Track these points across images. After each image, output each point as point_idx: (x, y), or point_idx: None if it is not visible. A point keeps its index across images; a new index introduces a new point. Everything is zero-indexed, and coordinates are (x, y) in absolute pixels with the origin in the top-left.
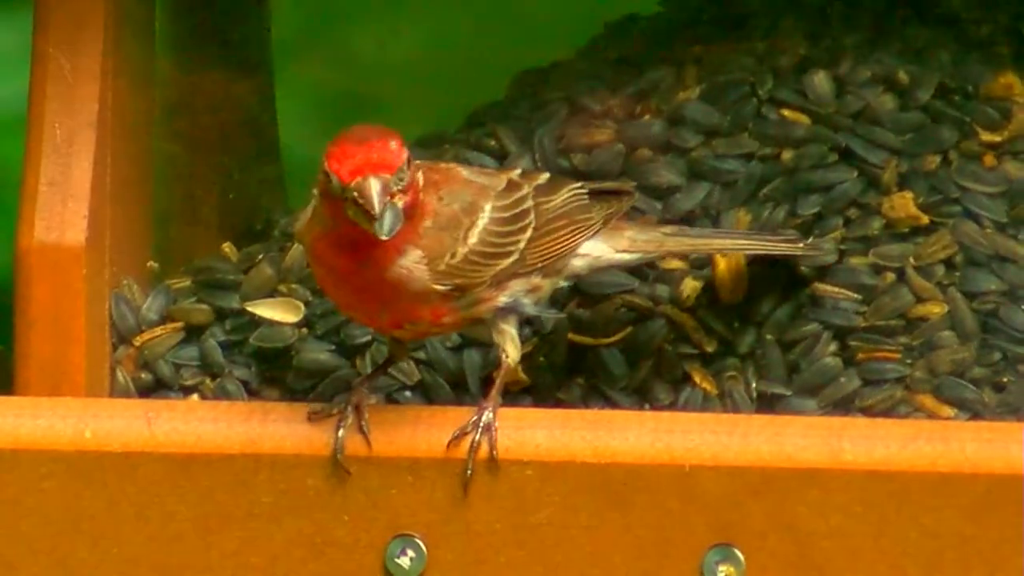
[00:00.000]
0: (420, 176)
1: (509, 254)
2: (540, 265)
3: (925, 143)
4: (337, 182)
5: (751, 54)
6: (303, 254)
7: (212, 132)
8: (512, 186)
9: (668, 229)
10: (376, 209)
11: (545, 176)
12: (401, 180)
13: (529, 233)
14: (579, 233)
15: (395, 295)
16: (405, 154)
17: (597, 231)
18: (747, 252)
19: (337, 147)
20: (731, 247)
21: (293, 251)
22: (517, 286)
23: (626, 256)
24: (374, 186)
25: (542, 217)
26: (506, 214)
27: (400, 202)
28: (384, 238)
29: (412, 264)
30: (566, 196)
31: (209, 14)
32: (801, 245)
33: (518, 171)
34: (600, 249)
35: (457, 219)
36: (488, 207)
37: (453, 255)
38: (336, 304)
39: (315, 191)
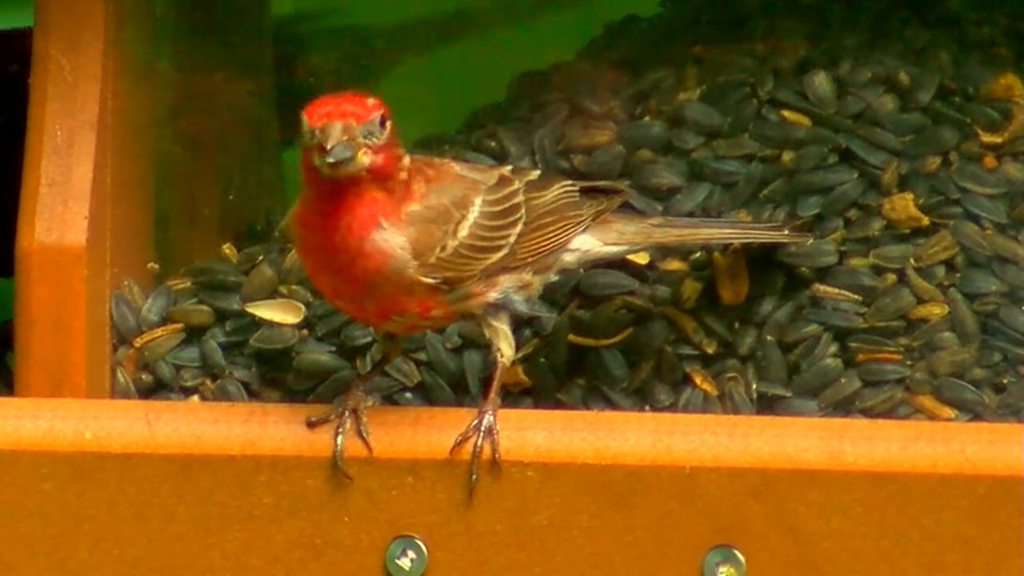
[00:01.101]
0: (407, 158)
1: (499, 248)
2: (530, 260)
3: (925, 144)
4: (307, 127)
5: (751, 55)
6: None
7: (212, 132)
8: (503, 181)
9: (655, 220)
10: (330, 144)
11: (536, 173)
12: (370, 134)
13: (519, 228)
14: (568, 229)
15: (374, 274)
16: (380, 113)
17: (586, 227)
18: (733, 240)
19: (315, 99)
20: (717, 236)
21: (293, 252)
22: (507, 282)
23: (615, 248)
24: (336, 126)
25: (532, 212)
26: (496, 208)
27: (366, 156)
28: (330, 160)
29: (392, 245)
30: (557, 192)
31: (209, 14)
32: (786, 232)
33: (509, 167)
34: (589, 243)
35: (448, 213)
36: (479, 201)
37: (443, 248)
38: (321, 291)
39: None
